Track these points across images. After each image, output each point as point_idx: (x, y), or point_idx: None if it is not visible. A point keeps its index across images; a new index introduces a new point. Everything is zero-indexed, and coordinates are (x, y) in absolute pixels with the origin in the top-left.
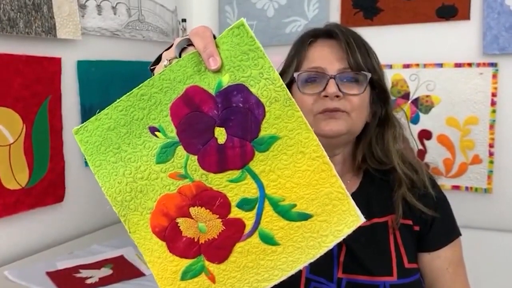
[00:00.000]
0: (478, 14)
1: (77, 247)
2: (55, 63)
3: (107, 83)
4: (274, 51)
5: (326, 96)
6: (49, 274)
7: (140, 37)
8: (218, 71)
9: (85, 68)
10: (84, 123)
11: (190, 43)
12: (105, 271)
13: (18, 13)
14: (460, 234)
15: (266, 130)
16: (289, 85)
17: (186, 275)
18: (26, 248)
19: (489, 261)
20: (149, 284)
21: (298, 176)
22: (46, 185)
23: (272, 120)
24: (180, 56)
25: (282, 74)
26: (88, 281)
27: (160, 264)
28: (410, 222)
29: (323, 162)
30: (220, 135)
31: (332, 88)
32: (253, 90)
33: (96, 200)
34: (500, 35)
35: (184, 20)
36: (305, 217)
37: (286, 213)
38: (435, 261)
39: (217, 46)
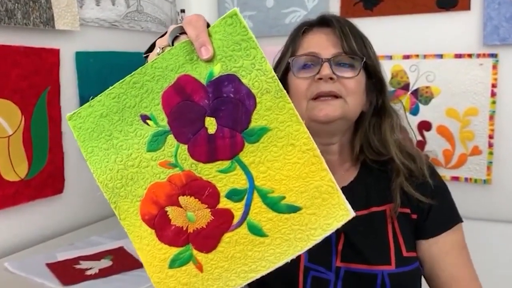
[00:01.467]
0: (479, 5)
1: (77, 239)
2: (54, 54)
3: (106, 74)
4: (274, 42)
5: (320, 79)
6: (49, 265)
7: (139, 28)
8: (210, 60)
9: (83, 59)
10: (78, 109)
11: (183, 32)
12: (105, 262)
13: (16, 4)
14: (461, 221)
15: (256, 121)
16: (285, 72)
17: (174, 263)
18: (26, 240)
19: (488, 252)
20: None
21: (288, 169)
22: (46, 176)
23: (263, 111)
24: (172, 44)
25: (278, 63)
26: (88, 272)
27: (149, 252)
28: (408, 211)
29: (314, 155)
30: (211, 125)
31: (326, 70)
32: (244, 80)
33: (95, 192)
34: (500, 26)
35: (182, 11)
36: (294, 209)
37: (275, 205)
38: (433, 247)
39: (209, 35)
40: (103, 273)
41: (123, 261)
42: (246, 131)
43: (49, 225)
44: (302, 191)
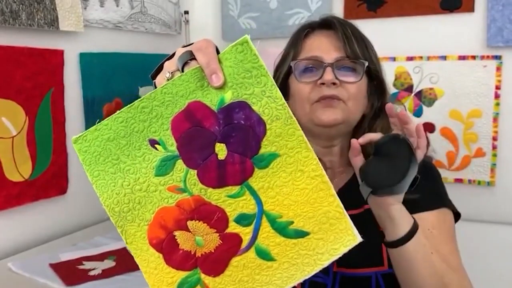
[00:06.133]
0: (483, 6)
1: (80, 239)
2: (58, 55)
3: (110, 75)
4: (277, 43)
5: (323, 84)
6: (52, 266)
7: (143, 29)
8: (220, 87)
9: (87, 60)
10: (84, 132)
11: (192, 57)
12: (108, 263)
13: (21, 5)
14: (447, 207)
15: (266, 147)
16: (287, 75)
17: (182, 286)
18: (29, 240)
19: (492, 254)
20: None
21: (296, 194)
22: (49, 177)
23: (273, 138)
24: (182, 70)
25: (280, 65)
26: (91, 273)
27: (156, 276)
28: None
29: (322, 181)
30: (221, 151)
31: (328, 75)
32: (255, 107)
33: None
34: (504, 27)
35: (186, 12)
36: (302, 234)
37: (283, 229)
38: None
39: (220, 62)
40: (106, 274)
41: (126, 261)
42: (256, 156)
43: (52, 226)
44: (310, 217)
